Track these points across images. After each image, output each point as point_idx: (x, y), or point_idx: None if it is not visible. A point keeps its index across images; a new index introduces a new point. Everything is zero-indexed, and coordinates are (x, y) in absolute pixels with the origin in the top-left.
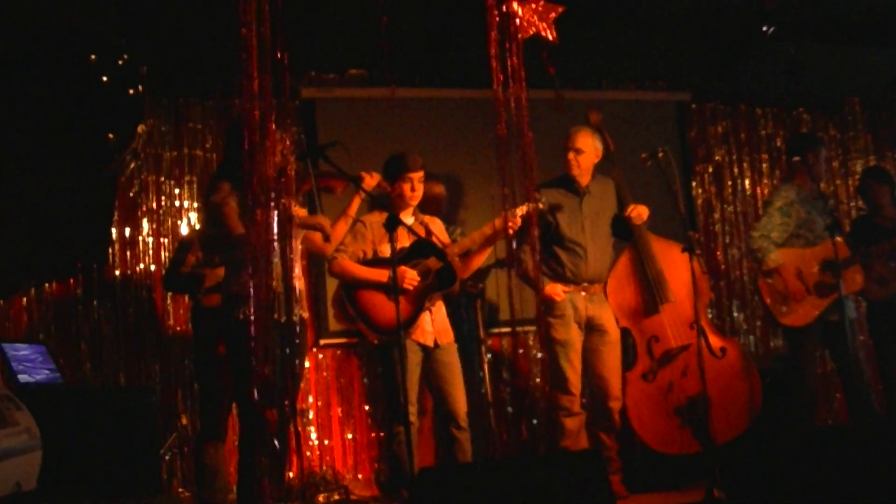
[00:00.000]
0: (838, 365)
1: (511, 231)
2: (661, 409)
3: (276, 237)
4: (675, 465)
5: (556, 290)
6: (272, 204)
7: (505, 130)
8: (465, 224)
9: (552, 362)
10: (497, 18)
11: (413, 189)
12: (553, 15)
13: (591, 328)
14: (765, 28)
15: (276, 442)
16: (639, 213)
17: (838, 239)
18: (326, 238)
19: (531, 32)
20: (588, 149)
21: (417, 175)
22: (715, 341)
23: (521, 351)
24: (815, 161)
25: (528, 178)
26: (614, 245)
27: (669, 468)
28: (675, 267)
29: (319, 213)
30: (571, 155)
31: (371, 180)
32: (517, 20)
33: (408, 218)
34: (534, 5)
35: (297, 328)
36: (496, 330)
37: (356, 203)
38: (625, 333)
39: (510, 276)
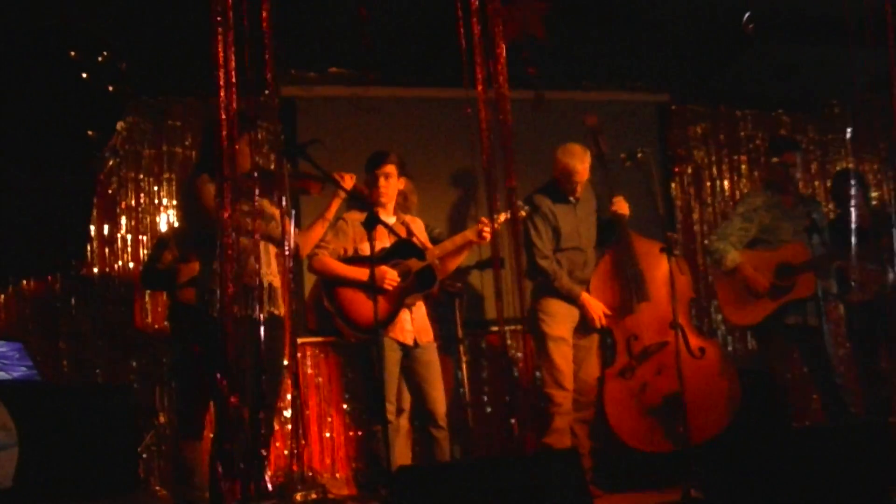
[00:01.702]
0: (810, 367)
1: (487, 238)
2: (637, 407)
3: (250, 233)
4: (654, 464)
5: (598, 310)
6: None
7: (486, 132)
8: (444, 224)
9: (546, 359)
10: (478, 20)
11: (376, 186)
12: (539, 11)
13: (578, 327)
14: (745, 23)
15: (251, 440)
16: (620, 203)
17: (800, 244)
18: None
19: (518, 33)
20: (588, 170)
21: (382, 171)
22: (694, 341)
23: (523, 350)
24: (788, 164)
25: (510, 182)
26: (595, 247)
27: (648, 467)
28: (657, 266)
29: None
30: (580, 187)
31: (348, 181)
32: (503, 20)
33: (389, 218)
34: (520, 4)
35: (272, 325)
36: (494, 329)
37: (335, 205)
38: (606, 332)
39: (497, 277)
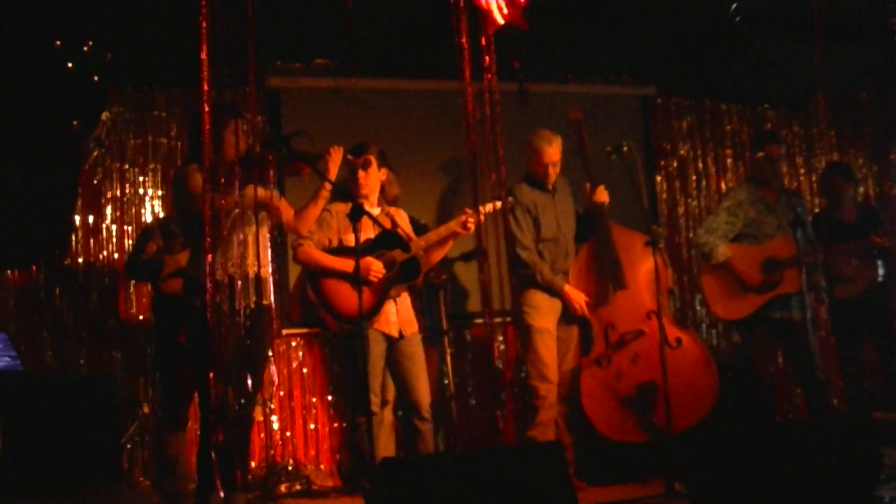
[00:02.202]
0: (792, 362)
1: (471, 228)
2: (612, 396)
3: (237, 223)
4: (634, 456)
5: (580, 299)
6: (231, 188)
7: (472, 123)
8: (430, 215)
9: (531, 351)
10: (465, 9)
11: (355, 177)
12: (522, 3)
13: (559, 319)
14: (731, 15)
15: (236, 431)
16: (600, 192)
17: (785, 238)
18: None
19: (501, 24)
20: (560, 155)
21: (358, 161)
22: (671, 332)
23: (501, 339)
24: (773, 158)
25: (496, 173)
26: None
27: (629, 459)
28: (635, 256)
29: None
30: (551, 170)
31: (336, 155)
32: (487, 11)
33: (374, 209)
34: None
35: (259, 315)
36: (478, 321)
37: (327, 186)
38: (585, 322)
39: (481, 268)
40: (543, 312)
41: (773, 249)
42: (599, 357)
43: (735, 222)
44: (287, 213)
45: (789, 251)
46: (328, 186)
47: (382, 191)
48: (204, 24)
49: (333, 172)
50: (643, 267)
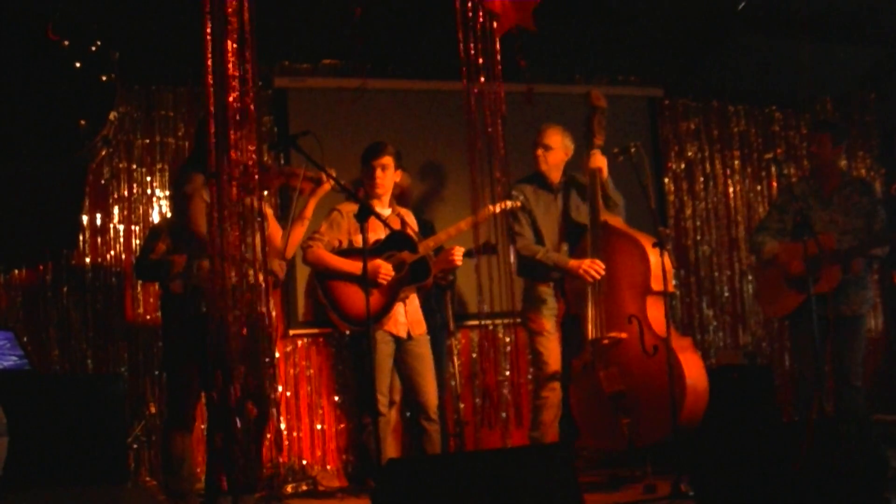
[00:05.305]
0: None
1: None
2: (593, 402)
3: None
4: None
5: (589, 266)
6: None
7: (479, 124)
8: (440, 216)
9: (532, 353)
10: (471, 10)
11: (372, 177)
12: (531, 4)
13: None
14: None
15: (243, 433)
16: (596, 157)
17: (827, 235)
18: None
19: (509, 26)
20: (557, 146)
21: (378, 162)
22: (649, 338)
23: (508, 340)
24: (817, 151)
25: (504, 174)
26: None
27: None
28: (622, 257)
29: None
30: (540, 151)
31: (300, 172)
32: (494, 13)
33: (384, 209)
34: None
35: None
36: (472, 322)
37: (312, 205)
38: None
39: (486, 269)
40: (545, 315)
41: (814, 246)
42: (585, 361)
43: (785, 218)
44: (276, 233)
45: (830, 247)
46: (311, 205)
47: (400, 192)
48: (210, 22)
49: (314, 200)
50: (629, 269)
